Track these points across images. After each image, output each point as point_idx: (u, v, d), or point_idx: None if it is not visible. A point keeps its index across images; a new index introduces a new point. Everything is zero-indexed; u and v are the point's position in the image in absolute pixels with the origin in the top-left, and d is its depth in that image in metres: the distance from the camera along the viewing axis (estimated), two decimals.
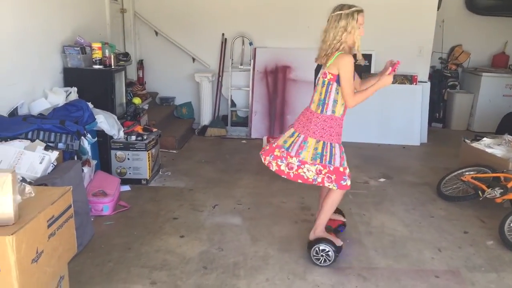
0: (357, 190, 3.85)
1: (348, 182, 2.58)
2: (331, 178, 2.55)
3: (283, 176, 2.63)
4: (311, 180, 2.58)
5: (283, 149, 2.63)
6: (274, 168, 2.64)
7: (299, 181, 2.60)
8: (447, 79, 6.53)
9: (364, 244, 2.94)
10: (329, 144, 2.56)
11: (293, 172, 2.59)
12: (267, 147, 2.75)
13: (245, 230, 3.09)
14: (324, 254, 2.61)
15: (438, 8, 5.69)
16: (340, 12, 2.49)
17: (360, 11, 2.49)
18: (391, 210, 3.54)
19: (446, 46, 6.56)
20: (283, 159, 2.61)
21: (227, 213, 3.37)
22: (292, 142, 2.62)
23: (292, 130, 2.70)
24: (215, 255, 2.72)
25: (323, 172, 2.55)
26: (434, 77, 6.41)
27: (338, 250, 2.65)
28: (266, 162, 2.68)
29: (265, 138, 5.40)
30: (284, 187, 3.84)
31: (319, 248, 2.61)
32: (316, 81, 2.68)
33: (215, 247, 2.83)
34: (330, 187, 2.58)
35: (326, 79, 2.54)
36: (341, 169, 2.56)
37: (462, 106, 6.37)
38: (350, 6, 2.49)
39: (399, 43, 5.61)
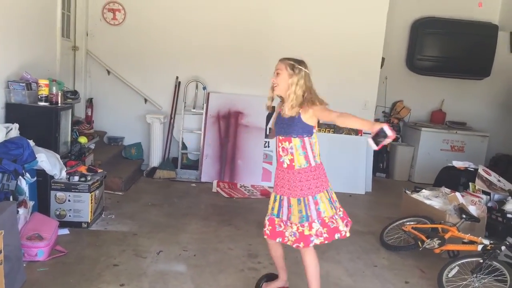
0: None
1: (316, 241, 2.51)
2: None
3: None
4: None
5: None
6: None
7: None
8: None
9: None
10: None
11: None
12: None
13: (189, 278, 2.99)
14: None
15: (382, 66, 6.10)
16: None
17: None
18: (337, 258, 3.57)
19: (388, 101, 6.98)
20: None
21: (171, 260, 3.25)
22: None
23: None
24: None
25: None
26: None
27: None
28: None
29: (215, 182, 5.38)
30: (232, 233, 3.80)
31: None
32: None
33: None
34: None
35: None
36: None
37: (403, 158, 6.71)
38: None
39: (346, 97, 5.88)
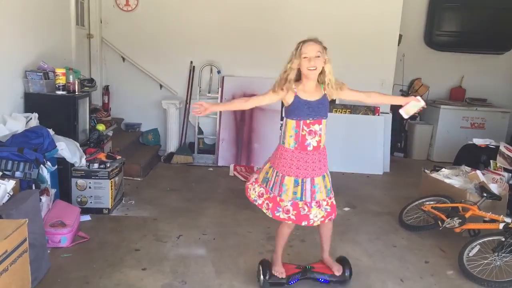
0: None
1: (282, 215, 2.54)
2: (268, 205, 2.60)
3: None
4: (252, 198, 2.67)
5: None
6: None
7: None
8: None
9: None
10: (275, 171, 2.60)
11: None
12: None
13: (209, 261, 3.04)
14: (257, 276, 2.73)
15: (399, 43, 5.96)
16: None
17: (304, 42, 2.50)
18: (355, 239, 3.57)
19: (406, 79, 6.84)
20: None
21: (191, 244, 3.30)
22: None
23: None
24: None
25: (264, 196, 2.62)
26: (395, 109, 6.63)
27: (273, 278, 2.66)
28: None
29: (232, 166, 5.40)
30: (251, 216, 3.82)
31: (258, 268, 2.74)
32: None
33: (178, 280, 2.75)
34: (266, 213, 2.63)
35: None
36: (278, 199, 2.57)
37: (422, 137, 6.60)
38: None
39: (362, 76, 5.76)
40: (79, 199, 3.69)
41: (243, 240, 3.42)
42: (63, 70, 3.83)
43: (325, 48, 2.51)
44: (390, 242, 3.56)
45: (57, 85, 3.79)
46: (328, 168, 2.66)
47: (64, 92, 3.81)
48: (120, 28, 5.73)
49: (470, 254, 3.07)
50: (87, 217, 3.59)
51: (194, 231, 3.53)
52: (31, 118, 3.57)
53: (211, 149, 5.87)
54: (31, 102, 3.78)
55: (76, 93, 3.89)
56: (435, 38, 6.75)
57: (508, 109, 6.60)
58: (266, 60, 5.66)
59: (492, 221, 3.32)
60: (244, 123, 5.69)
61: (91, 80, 4.54)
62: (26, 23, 3.80)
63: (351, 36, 5.75)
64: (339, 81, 2.59)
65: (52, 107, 3.77)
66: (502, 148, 4.35)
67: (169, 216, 3.81)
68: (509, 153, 4.31)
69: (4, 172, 2.76)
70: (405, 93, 6.89)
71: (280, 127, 2.76)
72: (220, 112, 5.68)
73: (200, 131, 5.91)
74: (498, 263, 2.98)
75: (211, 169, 5.50)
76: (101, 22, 5.67)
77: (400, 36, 5.97)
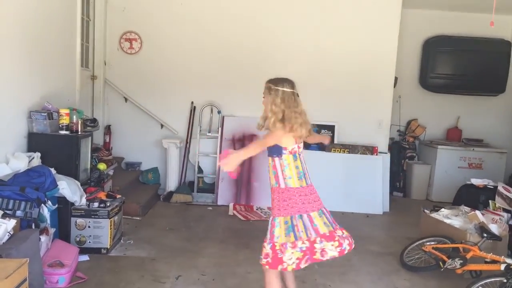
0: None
1: (263, 261, 2.52)
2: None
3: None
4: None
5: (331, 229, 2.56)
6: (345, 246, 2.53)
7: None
8: (405, 151, 6.85)
9: None
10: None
11: None
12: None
13: None
14: None
15: (395, 85, 6.12)
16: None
17: None
18: (356, 280, 3.53)
19: (403, 119, 6.96)
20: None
21: (190, 285, 3.26)
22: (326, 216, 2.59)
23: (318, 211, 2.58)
24: None
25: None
26: (394, 149, 6.71)
27: None
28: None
29: (231, 205, 5.39)
30: (250, 256, 3.78)
31: None
32: (302, 156, 2.67)
33: None
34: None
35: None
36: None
37: (420, 177, 6.63)
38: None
39: (360, 117, 5.94)
40: (78, 239, 3.67)
41: (243, 281, 3.38)
42: (67, 111, 3.91)
43: (271, 86, 2.65)
44: (392, 283, 3.52)
45: (60, 125, 3.86)
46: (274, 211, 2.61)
47: (67, 132, 3.88)
48: (123, 70, 5.89)
49: None
50: (85, 257, 3.55)
51: (193, 271, 3.49)
52: (33, 158, 3.61)
53: (211, 188, 5.88)
54: (34, 142, 3.83)
55: (79, 133, 3.95)
56: (429, 81, 6.92)
57: (504, 149, 6.68)
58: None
59: (494, 261, 3.30)
60: (243, 162, 5.71)
61: (94, 120, 4.62)
62: (32, 64, 3.92)
63: (349, 76, 5.91)
64: (273, 126, 2.62)
65: (55, 146, 3.83)
66: (500, 189, 4.37)
67: (167, 256, 3.78)
68: (507, 194, 4.33)
69: (6, 211, 2.77)
70: (402, 133, 6.99)
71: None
72: (220, 151, 5.73)
73: (200, 170, 5.94)
74: None
75: (210, 208, 5.49)
76: (105, 64, 5.84)
77: (396, 78, 6.14)
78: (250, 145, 2.59)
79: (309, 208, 2.54)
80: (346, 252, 2.52)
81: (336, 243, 2.49)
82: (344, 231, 2.57)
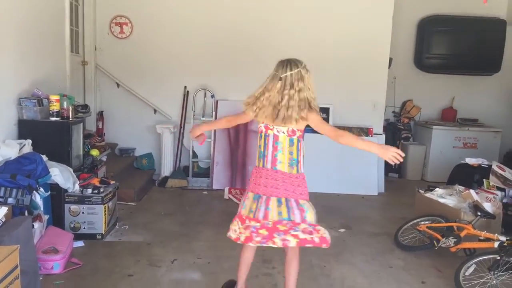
0: None
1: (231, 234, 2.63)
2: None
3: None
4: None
5: (284, 221, 2.47)
6: (292, 243, 2.47)
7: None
8: (400, 132, 6.84)
9: None
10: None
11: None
12: (248, 231, 2.55)
13: (204, 286, 3.00)
14: None
15: (389, 66, 6.07)
16: (299, 69, 2.58)
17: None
18: (351, 261, 3.55)
19: (398, 100, 6.94)
20: (292, 229, 2.46)
21: (186, 268, 3.27)
22: (287, 207, 2.49)
23: (264, 197, 2.52)
24: None
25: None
26: (388, 130, 6.71)
27: None
28: (270, 244, 2.49)
29: (226, 189, 5.39)
30: None
31: None
32: (271, 139, 2.58)
33: None
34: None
35: (295, 137, 2.53)
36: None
37: (415, 157, 6.64)
38: (298, 62, 2.63)
39: (355, 98, 5.90)
40: (72, 225, 3.66)
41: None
42: (57, 97, 3.86)
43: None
44: (386, 262, 3.54)
45: (51, 112, 3.81)
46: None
47: (58, 118, 3.83)
48: (114, 55, 5.81)
49: (466, 274, 3.06)
50: (80, 243, 3.55)
51: (189, 255, 3.49)
52: (24, 145, 3.57)
53: (206, 173, 5.87)
54: (24, 129, 3.78)
55: (70, 119, 3.91)
56: (425, 61, 6.88)
57: (499, 128, 6.68)
58: (258, 83, 5.72)
59: (487, 240, 3.32)
60: (238, 146, 5.71)
61: (85, 106, 4.57)
62: (20, 50, 3.85)
63: (343, 58, 5.84)
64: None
65: (46, 133, 3.78)
66: (494, 167, 4.38)
67: (163, 240, 3.78)
68: (501, 172, 4.35)
69: None
70: (397, 114, 6.97)
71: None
72: (215, 135, 5.71)
73: (195, 155, 5.92)
74: (494, 282, 2.97)
75: (205, 192, 5.48)
76: (95, 49, 5.75)
77: (391, 59, 6.09)
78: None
79: (260, 190, 2.53)
80: (291, 245, 2.49)
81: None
82: (317, 227, 2.53)
